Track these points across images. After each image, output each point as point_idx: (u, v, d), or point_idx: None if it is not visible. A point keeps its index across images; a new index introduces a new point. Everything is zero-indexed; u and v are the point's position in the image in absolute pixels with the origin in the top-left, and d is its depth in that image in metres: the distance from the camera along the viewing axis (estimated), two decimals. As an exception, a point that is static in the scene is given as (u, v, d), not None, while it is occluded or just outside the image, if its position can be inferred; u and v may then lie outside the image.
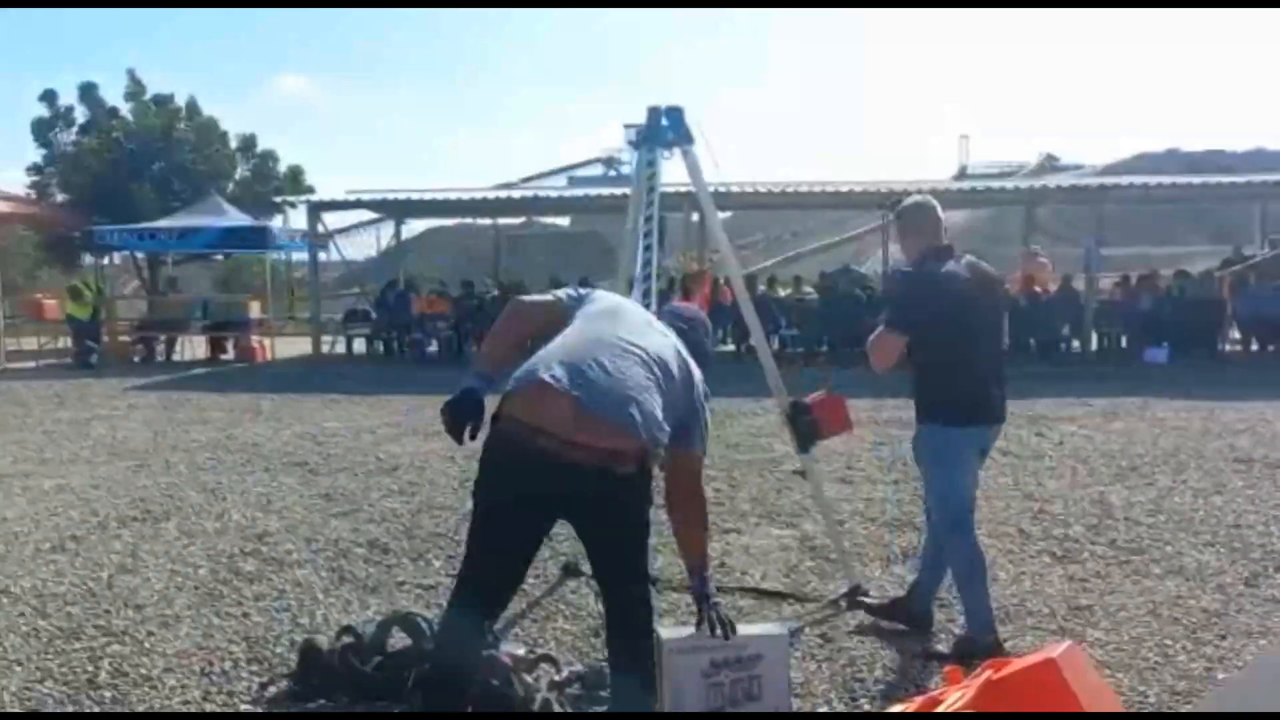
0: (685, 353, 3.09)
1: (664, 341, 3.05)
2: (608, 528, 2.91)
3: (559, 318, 3.03)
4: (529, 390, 2.78)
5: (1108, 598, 4.58)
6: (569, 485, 2.75)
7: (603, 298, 3.17)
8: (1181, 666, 3.82)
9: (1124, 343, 16.66)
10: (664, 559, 5.17)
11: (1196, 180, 20.55)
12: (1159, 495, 6.52)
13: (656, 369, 2.91)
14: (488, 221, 27.39)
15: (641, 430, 2.76)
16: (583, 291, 3.17)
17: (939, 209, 3.99)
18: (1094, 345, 16.57)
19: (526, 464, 2.75)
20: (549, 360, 2.82)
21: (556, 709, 3.34)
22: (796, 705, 3.50)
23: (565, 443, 2.70)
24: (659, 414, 2.83)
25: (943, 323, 3.81)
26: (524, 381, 2.81)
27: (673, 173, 4.44)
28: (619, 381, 2.78)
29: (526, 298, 3.19)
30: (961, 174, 55.96)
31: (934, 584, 4.18)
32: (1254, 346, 16.29)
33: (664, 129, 4.31)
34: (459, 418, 2.89)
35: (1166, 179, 21.29)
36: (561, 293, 3.15)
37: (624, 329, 2.96)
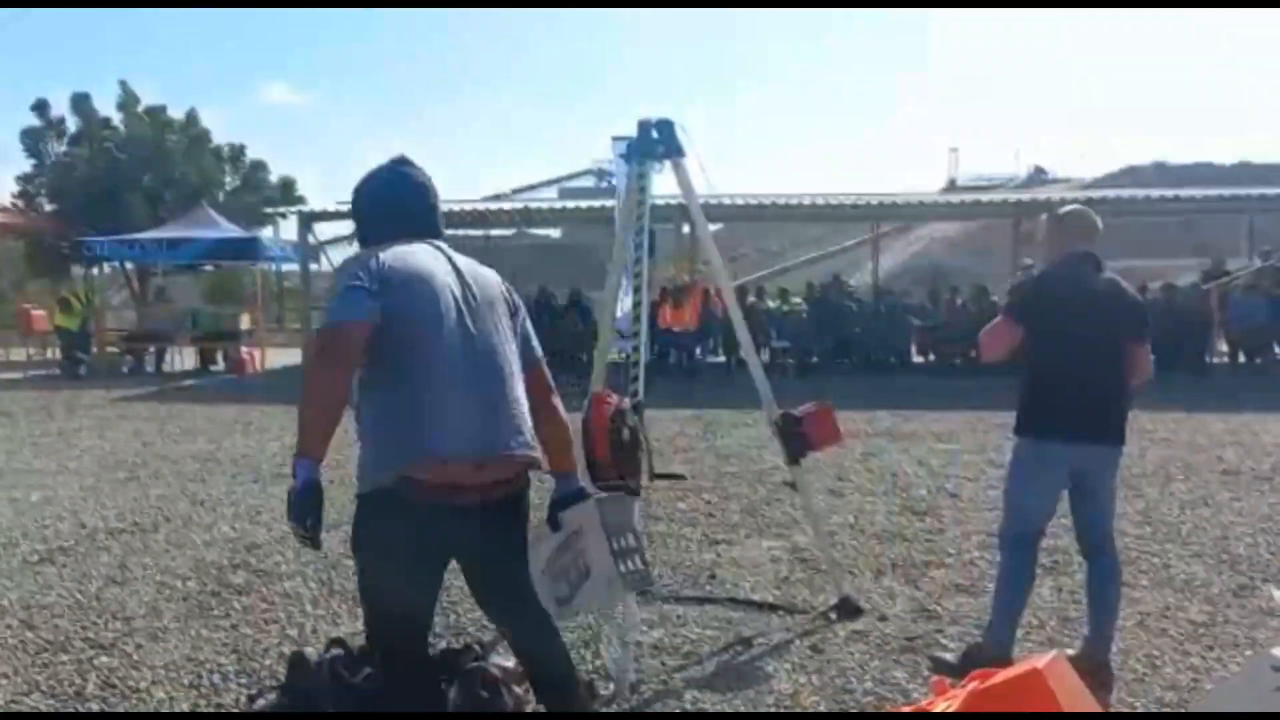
0: (491, 273, 2.90)
1: (490, 287, 2.85)
2: (516, 543, 2.97)
3: (373, 334, 2.63)
4: (428, 464, 2.64)
5: (1096, 609, 4.59)
6: (488, 520, 2.81)
7: (403, 271, 2.67)
8: (1169, 677, 3.84)
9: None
10: (654, 570, 5.19)
11: (1184, 194, 20.67)
12: (1147, 507, 6.55)
13: (506, 344, 2.81)
14: (478, 232, 27.39)
15: (531, 440, 2.83)
16: (373, 272, 2.64)
17: (1099, 222, 3.97)
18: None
19: (447, 514, 2.69)
20: (426, 428, 2.64)
21: None
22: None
23: (481, 486, 2.71)
24: (523, 405, 2.84)
25: (1052, 326, 3.77)
26: (418, 460, 2.66)
27: (661, 185, 4.45)
28: (498, 409, 2.74)
29: (334, 333, 2.66)
30: (950, 186, 56.28)
31: (1104, 627, 3.88)
32: (1241, 359, 16.36)
33: (655, 142, 4.32)
34: (310, 517, 2.72)
35: (1154, 192, 21.40)
36: (363, 303, 2.60)
37: (467, 319, 2.71)
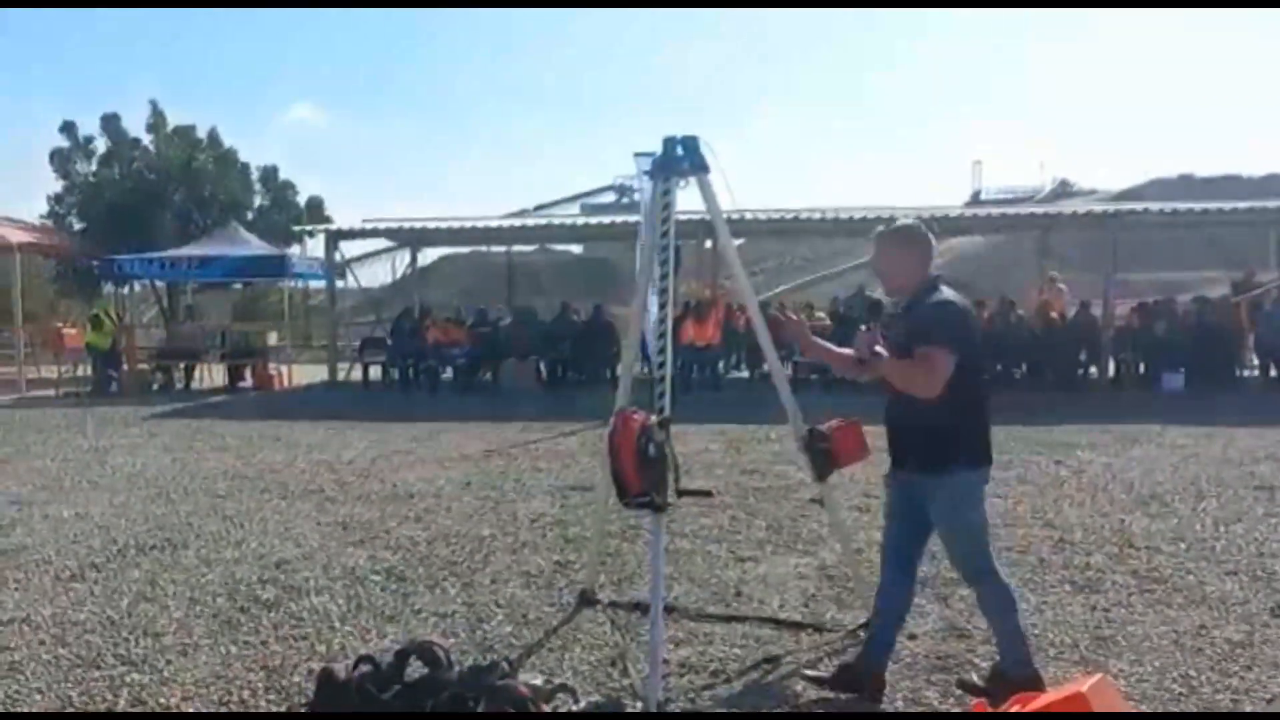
0: None
1: None
2: None
3: None
4: None
5: (1130, 628, 4.54)
6: None
7: None
8: (1206, 698, 3.78)
9: (1141, 369, 16.57)
10: (681, 587, 5.18)
11: (1212, 206, 20.49)
12: (1180, 523, 6.47)
13: None
14: (501, 249, 27.51)
15: None
16: None
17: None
18: (1111, 372, 16.47)
19: None
20: None
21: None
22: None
23: None
24: None
25: (976, 354, 3.71)
26: None
27: (684, 201, 4.46)
28: None
29: None
30: (975, 199, 56.06)
31: (889, 639, 3.92)
32: (1272, 372, 16.17)
33: (680, 158, 4.33)
34: None
35: (1181, 205, 21.20)
36: None
37: None
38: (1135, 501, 7.14)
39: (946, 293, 3.67)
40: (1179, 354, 15.79)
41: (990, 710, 2.48)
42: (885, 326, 3.90)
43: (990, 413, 3.77)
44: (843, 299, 20.22)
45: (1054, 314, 16.79)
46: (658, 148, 4.36)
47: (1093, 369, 16.48)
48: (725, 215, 4.69)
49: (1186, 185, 49.60)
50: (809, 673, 4.03)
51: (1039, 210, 23.12)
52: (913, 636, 4.44)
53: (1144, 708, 3.67)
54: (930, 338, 3.53)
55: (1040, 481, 7.90)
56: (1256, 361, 16.55)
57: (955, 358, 3.52)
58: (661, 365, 4.17)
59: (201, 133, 28.73)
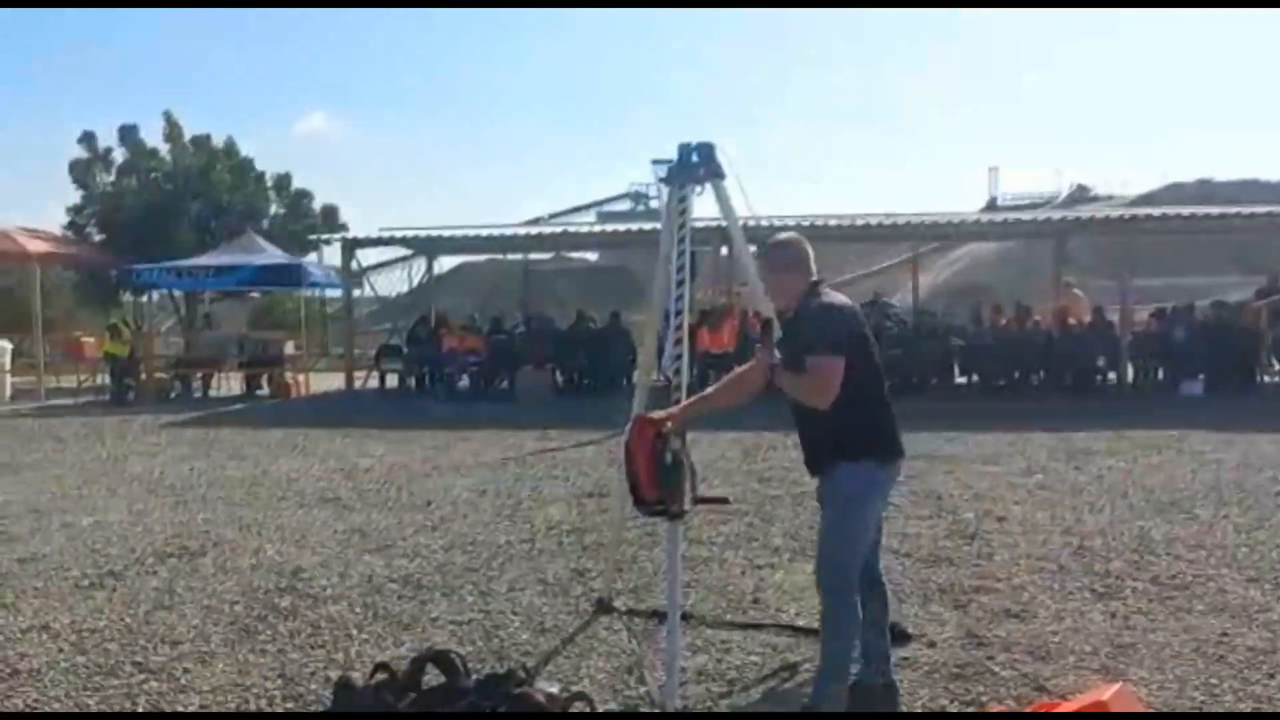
0: None
1: None
2: None
3: None
4: None
5: (1151, 635, 4.50)
6: None
7: None
8: (1229, 706, 3.74)
9: (1160, 375, 16.46)
10: (697, 595, 5.17)
11: (1230, 211, 20.35)
12: (1200, 530, 6.42)
13: None
14: (517, 257, 27.55)
15: None
16: None
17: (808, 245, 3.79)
18: (1129, 378, 16.37)
19: None
20: None
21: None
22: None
23: None
24: None
25: (864, 351, 3.62)
26: None
27: (700, 207, 4.46)
28: None
29: None
30: (991, 206, 55.90)
31: (877, 650, 3.77)
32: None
33: (695, 164, 4.33)
34: None
35: (1199, 210, 21.08)
36: None
37: None
38: (1155, 508, 7.09)
39: (825, 297, 3.66)
40: (1198, 359, 15.69)
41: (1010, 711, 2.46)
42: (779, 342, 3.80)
43: (888, 408, 3.68)
44: (861, 305, 20.15)
45: (1072, 320, 16.70)
46: (674, 154, 4.36)
47: (1111, 375, 16.38)
48: (741, 221, 4.68)
49: (1204, 190, 49.34)
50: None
51: (1056, 216, 22.99)
52: (932, 644, 4.41)
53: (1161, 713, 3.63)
54: (815, 347, 3.52)
55: (1059, 488, 7.85)
56: (1277, 366, 16.42)
57: (841, 360, 3.51)
58: (678, 372, 4.17)
59: (217, 142, 28.94)
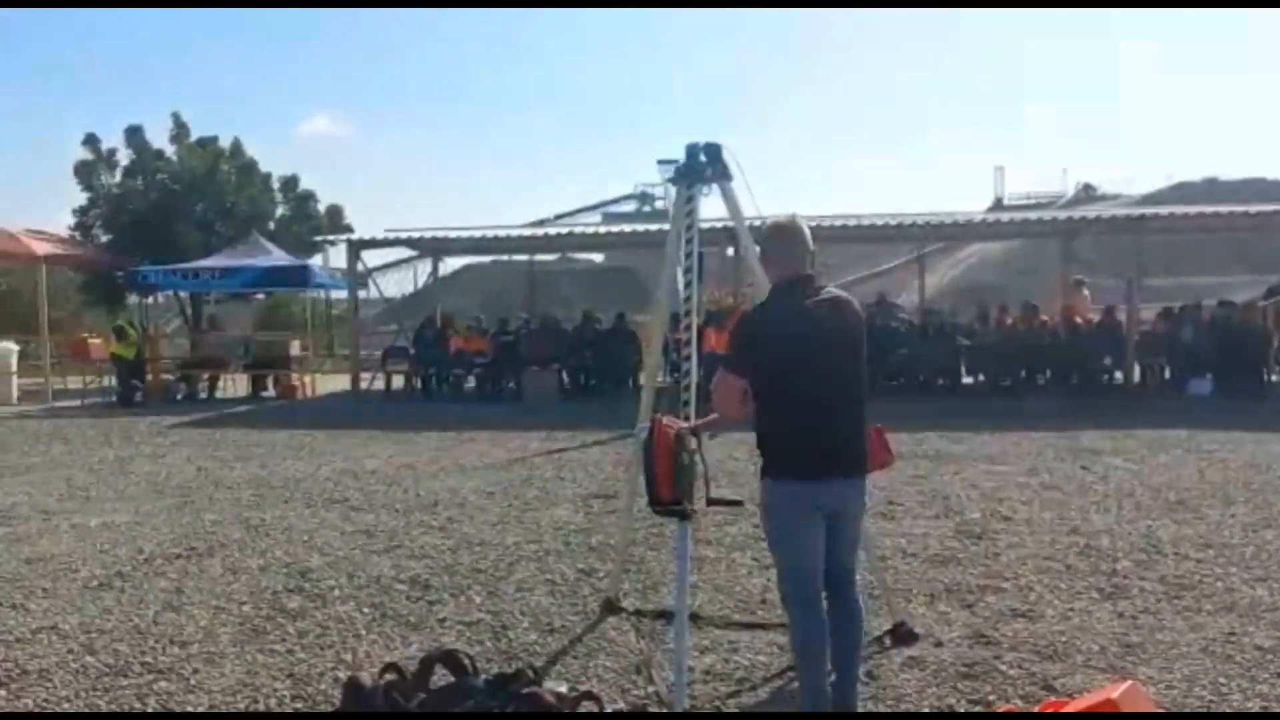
0: None
1: None
2: None
3: None
4: None
5: (1159, 635, 4.50)
6: None
7: None
8: (1237, 705, 3.74)
9: (1167, 374, 16.43)
10: (705, 595, 5.17)
11: (1237, 210, 20.30)
12: (1208, 529, 6.41)
13: None
14: (523, 258, 27.58)
15: None
16: None
17: (805, 232, 3.58)
18: (1136, 377, 16.34)
19: None
20: None
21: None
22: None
23: None
24: None
25: (774, 364, 3.41)
26: None
27: (708, 208, 4.47)
28: None
29: None
30: (997, 205, 55.84)
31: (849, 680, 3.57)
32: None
33: (702, 165, 4.33)
34: None
35: (1207, 208, 21.03)
36: None
37: None
38: (1163, 507, 7.08)
39: (754, 305, 3.61)
40: (1205, 359, 15.66)
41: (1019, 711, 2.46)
42: None
43: (809, 423, 3.42)
44: (866, 305, 20.15)
45: (1078, 319, 16.67)
46: (680, 155, 4.37)
47: (1117, 374, 16.35)
48: (748, 222, 4.68)
49: (1211, 189, 49.25)
50: None
51: (1062, 215, 22.95)
52: (939, 644, 4.42)
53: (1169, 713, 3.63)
54: (725, 361, 3.52)
55: (1066, 487, 7.84)
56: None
57: (733, 376, 3.44)
58: (687, 373, 4.17)
59: (223, 144, 28.99)
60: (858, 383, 3.58)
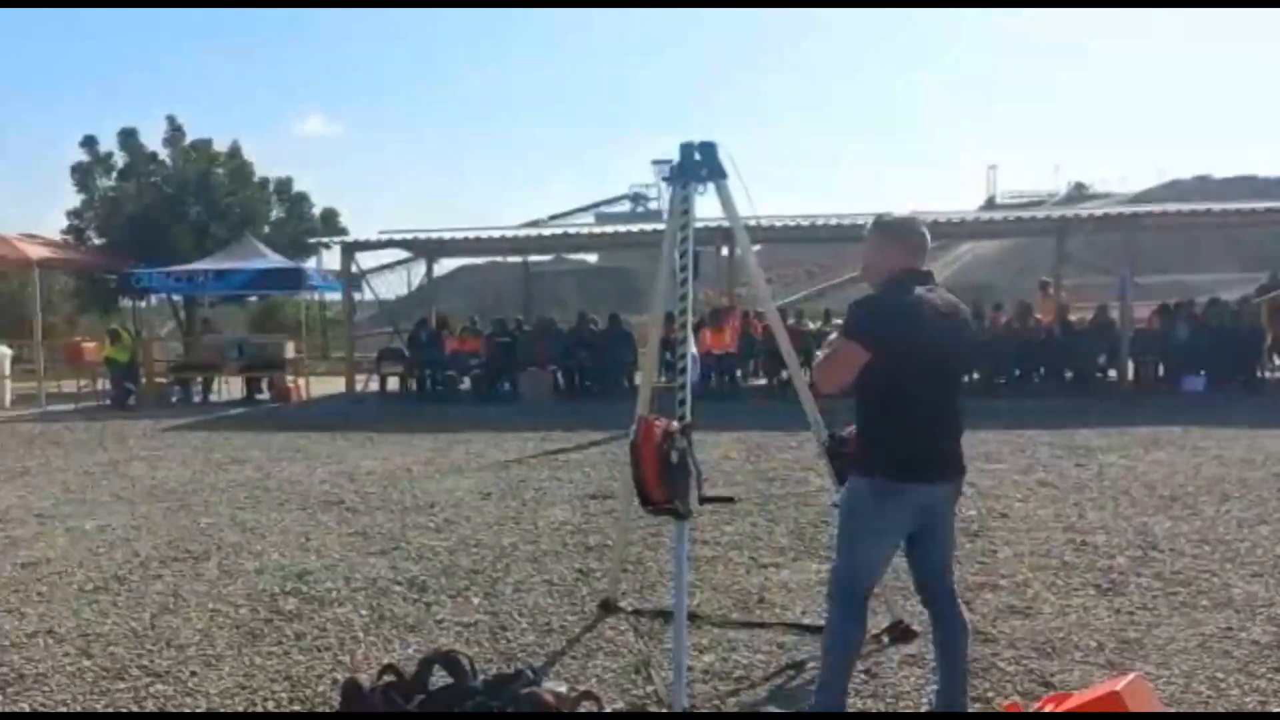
0: None
1: None
2: None
3: None
4: None
5: (1155, 631, 4.51)
6: None
7: None
8: (1235, 701, 3.75)
9: (1161, 371, 16.46)
10: (703, 594, 5.17)
11: (1230, 208, 20.35)
12: (1204, 525, 6.42)
13: None
14: (517, 259, 27.54)
15: None
16: None
17: (926, 232, 3.52)
18: (1130, 375, 16.37)
19: None
20: None
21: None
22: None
23: None
24: None
25: (902, 353, 3.28)
26: None
27: (703, 207, 4.46)
28: None
29: None
30: (990, 204, 55.95)
31: (953, 686, 3.49)
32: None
33: (697, 164, 4.33)
34: None
35: (1199, 206, 21.07)
36: None
37: None
38: (1158, 504, 7.09)
39: (884, 291, 3.43)
40: (1199, 356, 15.69)
41: (1021, 707, 2.46)
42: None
43: (915, 426, 3.31)
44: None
45: (1040, 317, 16.78)
46: (675, 154, 4.36)
47: (1112, 371, 16.39)
48: (743, 221, 4.68)
49: (1203, 187, 49.39)
50: None
51: (1055, 214, 23.00)
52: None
53: (1172, 710, 3.64)
54: (845, 330, 3.39)
55: (1062, 485, 7.86)
56: (1278, 362, 16.42)
57: (856, 346, 3.27)
58: (682, 371, 4.17)
59: (219, 146, 28.95)
60: (960, 385, 3.54)
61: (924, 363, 3.31)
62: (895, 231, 3.51)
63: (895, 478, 3.29)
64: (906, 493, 3.30)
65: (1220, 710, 3.68)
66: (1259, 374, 15.94)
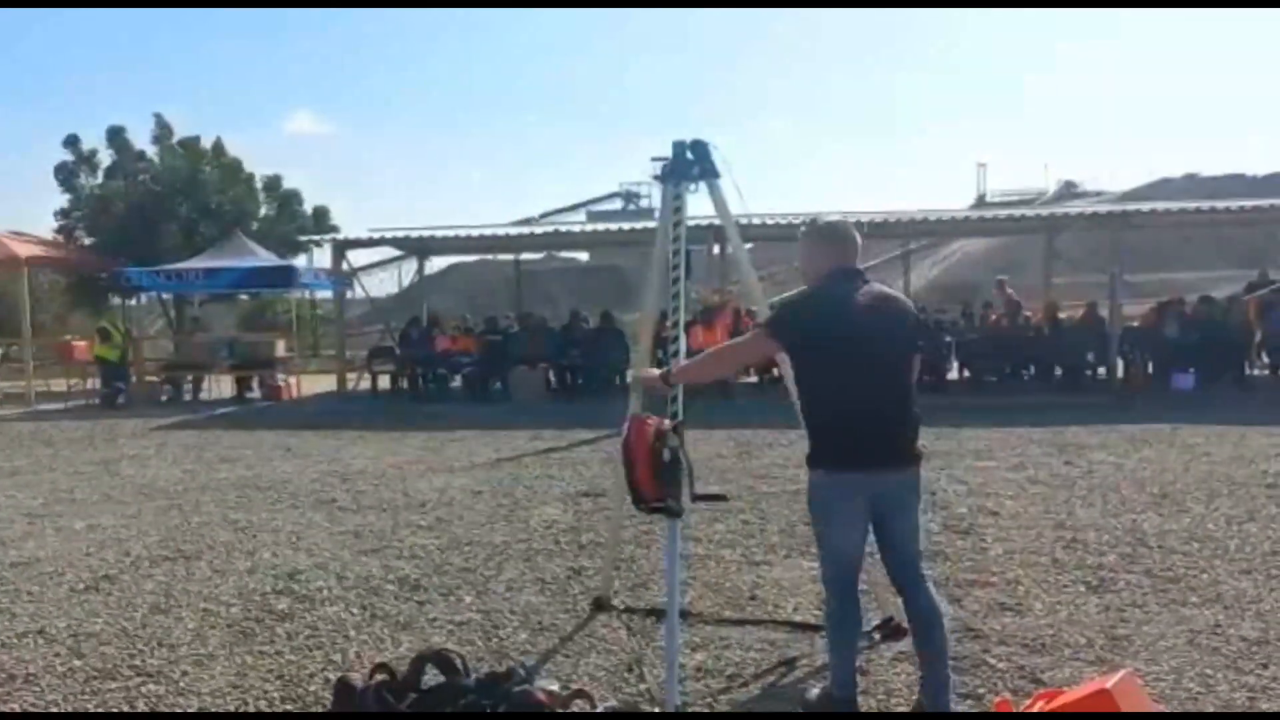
0: None
1: None
2: None
3: None
4: None
5: (1145, 627, 4.53)
6: None
7: None
8: (1224, 696, 3.77)
9: (1150, 369, 16.53)
10: (695, 592, 5.18)
11: (1219, 205, 20.45)
12: (1193, 522, 6.46)
13: None
14: (508, 257, 27.53)
15: None
16: None
17: (855, 232, 3.66)
18: (1120, 372, 16.44)
19: None
20: None
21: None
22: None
23: None
24: None
25: (820, 349, 3.48)
26: None
27: (695, 206, 4.47)
28: None
29: None
30: (980, 202, 56.05)
31: (936, 679, 3.56)
32: (1281, 371, 16.11)
33: (690, 163, 4.34)
34: None
35: (1188, 204, 21.16)
36: None
37: None
38: (1148, 501, 7.13)
39: (811, 289, 3.69)
40: (1189, 353, 15.76)
41: (1012, 705, 2.47)
42: None
43: (849, 418, 3.46)
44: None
45: (994, 318, 16.90)
46: (668, 152, 4.37)
47: (1101, 369, 16.45)
48: (735, 220, 4.69)
49: (1192, 185, 49.54)
50: None
51: (1045, 212, 23.08)
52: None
53: (1161, 707, 3.65)
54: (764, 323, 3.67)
55: (1052, 482, 7.89)
56: (1267, 360, 16.50)
57: (774, 339, 3.60)
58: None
59: (206, 144, 28.83)
60: (905, 375, 3.63)
61: (851, 356, 3.45)
62: (824, 235, 3.71)
63: (837, 468, 3.48)
64: (851, 482, 3.46)
65: (1210, 706, 3.70)
66: (1248, 372, 16.01)
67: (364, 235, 20.20)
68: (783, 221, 19.07)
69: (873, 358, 3.48)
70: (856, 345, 3.45)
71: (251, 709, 3.92)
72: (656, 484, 3.54)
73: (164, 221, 26.33)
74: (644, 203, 50.53)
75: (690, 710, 3.79)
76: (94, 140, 28.58)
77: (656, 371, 3.79)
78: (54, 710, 3.96)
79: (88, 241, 27.43)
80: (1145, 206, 21.94)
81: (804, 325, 3.54)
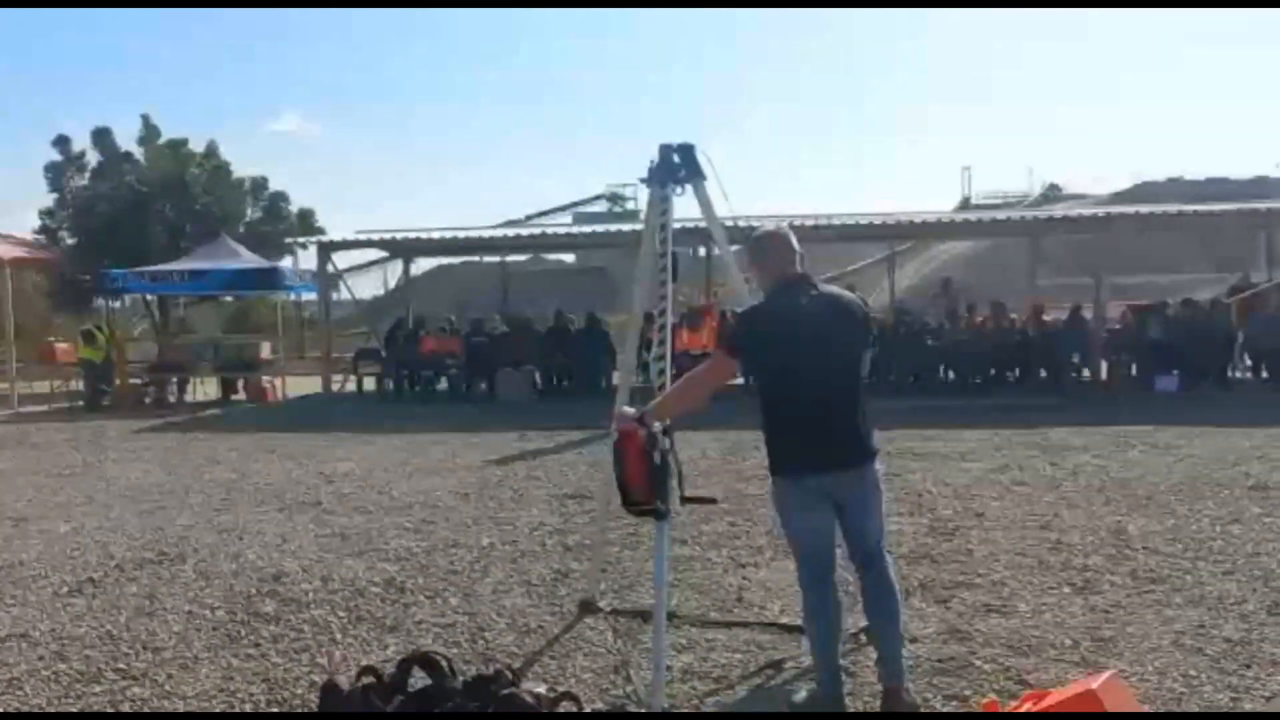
0: None
1: None
2: None
3: None
4: None
5: (1130, 628, 4.56)
6: None
7: None
8: (1208, 697, 3.80)
9: (1134, 371, 16.62)
10: (681, 594, 5.19)
11: (1203, 208, 20.58)
12: (1177, 524, 6.49)
13: None
14: (494, 259, 27.48)
15: None
16: None
17: (792, 238, 3.74)
18: (1104, 374, 16.52)
19: None
20: None
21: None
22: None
23: None
24: None
25: (773, 360, 3.63)
26: None
27: (680, 208, 4.49)
28: None
29: None
30: (964, 205, 56.27)
31: (889, 650, 3.73)
32: (1263, 373, 16.22)
33: (676, 165, 4.35)
34: None
35: (1171, 208, 21.29)
36: None
37: None
38: (1132, 503, 7.16)
39: (759, 301, 3.80)
40: (1172, 355, 15.85)
41: (999, 706, 2.49)
42: None
43: (799, 423, 3.59)
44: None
45: (979, 320, 17.07)
46: (654, 155, 4.38)
47: (1085, 372, 16.53)
48: (721, 222, 4.70)
49: (1175, 189, 49.82)
50: None
51: (1030, 215, 23.19)
52: (914, 640, 4.45)
53: (1146, 707, 3.68)
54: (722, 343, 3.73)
55: (1036, 484, 7.92)
56: (1249, 362, 16.61)
57: (732, 356, 3.73)
58: (661, 373, 4.19)
59: (192, 146, 28.67)
60: (854, 376, 3.71)
61: (802, 363, 3.56)
62: (762, 247, 3.78)
63: (791, 473, 3.63)
64: (805, 483, 3.60)
65: (1194, 706, 3.73)
66: (1230, 373, 16.11)
67: (349, 237, 20.14)
68: (768, 223, 19.11)
69: (825, 362, 3.59)
70: (808, 353, 3.57)
71: (237, 712, 3.90)
72: (646, 486, 3.54)
73: (149, 223, 26.17)
74: (630, 205, 50.49)
75: (677, 712, 3.80)
76: (81, 142, 28.42)
77: (633, 411, 3.78)
78: (38, 714, 3.93)
79: (71, 242, 27.24)
80: (1129, 209, 22.07)
81: (757, 337, 3.69)
